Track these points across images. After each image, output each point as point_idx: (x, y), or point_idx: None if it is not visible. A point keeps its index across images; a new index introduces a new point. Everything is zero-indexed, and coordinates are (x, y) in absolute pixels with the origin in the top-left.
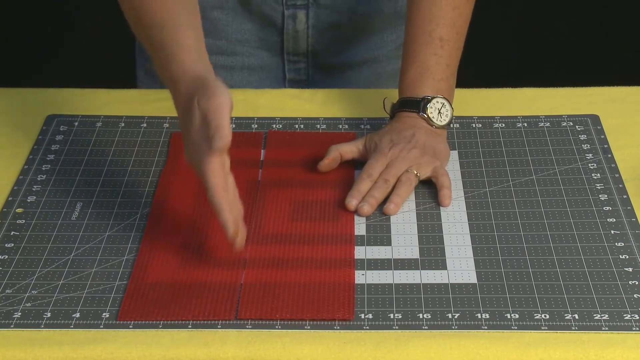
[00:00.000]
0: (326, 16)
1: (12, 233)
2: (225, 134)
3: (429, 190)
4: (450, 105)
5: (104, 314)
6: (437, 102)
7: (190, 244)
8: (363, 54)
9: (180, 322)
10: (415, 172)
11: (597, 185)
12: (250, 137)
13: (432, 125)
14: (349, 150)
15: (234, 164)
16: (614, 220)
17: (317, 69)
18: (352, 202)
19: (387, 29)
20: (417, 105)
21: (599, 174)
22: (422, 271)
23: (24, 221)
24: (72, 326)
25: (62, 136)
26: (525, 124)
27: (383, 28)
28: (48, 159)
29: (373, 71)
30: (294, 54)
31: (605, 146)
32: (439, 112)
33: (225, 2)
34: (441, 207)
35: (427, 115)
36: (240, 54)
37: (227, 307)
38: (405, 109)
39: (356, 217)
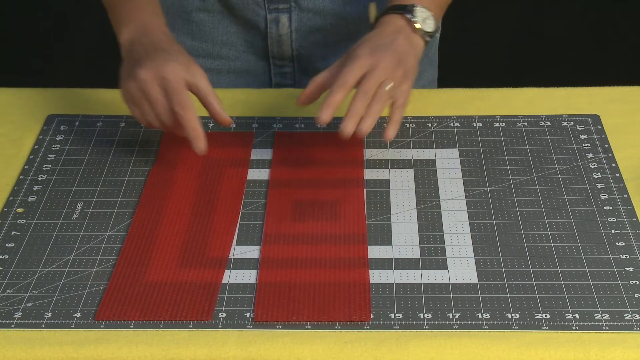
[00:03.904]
0: (309, 20)
1: (12, 233)
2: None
3: (430, 189)
4: (435, 21)
5: None
6: (423, 12)
7: (173, 244)
8: None
9: (180, 322)
10: (388, 89)
11: (598, 184)
12: (239, 137)
13: (415, 32)
14: (325, 75)
15: (226, 163)
16: (615, 219)
17: (304, 73)
18: (323, 117)
19: None
20: (404, 8)
21: (599, 174)
22: (423, 271)
23: (24, 221)
24: (72, 326)
25: (63, 136)
26: (526, 124)
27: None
28: (49, 158)
29: None
30: (279, 58)
31: (606, 146)
32: (424, 20)
33: (211, 5)
34: (442, 207)
35: (413, 18)
36: (226, 57)
37: (204, 307)
38: (391, 11)
39: None
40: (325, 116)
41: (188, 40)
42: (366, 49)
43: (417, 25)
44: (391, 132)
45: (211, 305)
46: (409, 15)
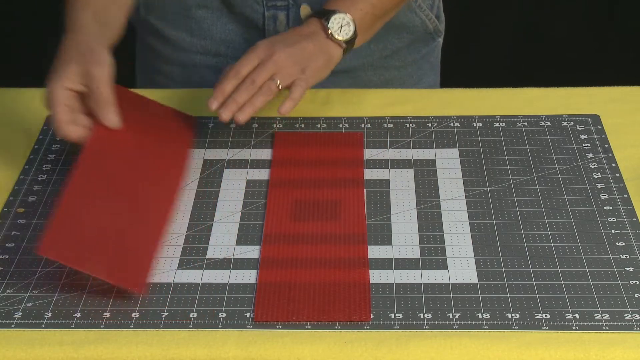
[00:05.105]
0: None
1: (12, 233)
2: (113, 113)
3: (430, 189)
4: (355, 29)
5: (104, 313)
6: (343, 18)
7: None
8: (348, 61)
9: (180, 322)
10: (278, 82)
11: (598, 184)
12: (181, 119)
13: (329, 38)
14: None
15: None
16: (615, 219)
17: None
18: (213, 104)
19: (373, 38)
20: (324, 13)
21: (599, 174)
22: (423, 271)
23: (24, 221)
24: (72, 326)
25: None
26: (526, 124)
27: None
28: (49, 158)
29: (359, 80)
30: None
31: (606, 146)
32: (341, 27)
33: (210, 2)
34: (442, 207)
35: (328, 24)
36: (224, 55)
37: (138, 277)
38: (314, 15)
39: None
40: (214, 105)
41: (187, 37)
42: (267, 42)
43: (331, 31)
44: (286, 107)
45: (144, 275)
46: (325, 22)
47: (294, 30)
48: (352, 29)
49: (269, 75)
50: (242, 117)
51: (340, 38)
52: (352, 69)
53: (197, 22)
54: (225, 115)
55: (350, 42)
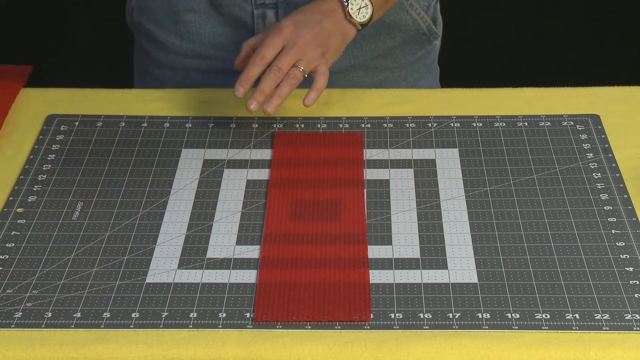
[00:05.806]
0: None
1: (12, 233)
2: None
3: (430, 189)
4: (373, 10)
5: (104, 313)
6: (363, 0)
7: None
8: (340, 61)
9: (180, 322)
10: (302, 69)
11: (598, 184)
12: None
13: (346, 18)
14: (255, 39)
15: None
16: (615, 219)
17: None
18: (239, 91)
19: (365, 37)
20: None
21: (599, 174)
22: (423, 271)
23: (24, 221)
24: (72, 326)
25: (63, 136)
26: (526, 124)
27: (360, 36)
28: (49, 158)
29: (351, 81)
30: None
31: (606, 146)
32: (359, 9)
33: (197, 5)
34: (442, 207)
35: (348, 5)
36: (214, 57)
37: None
38: None
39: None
40: (240, 92)
41: (177, 41)
42: (291, 23)
43: (350, 13)
44: (310, 98)
45: None
46: (344, 1)
47: (314, 5)
48: (369, 11)
49: (294, 61)
50: (270, 109)
51: (358, 20)
52: (343, 70)
53: (185, 25)
54: (253, 107)
55: (364, 24)
